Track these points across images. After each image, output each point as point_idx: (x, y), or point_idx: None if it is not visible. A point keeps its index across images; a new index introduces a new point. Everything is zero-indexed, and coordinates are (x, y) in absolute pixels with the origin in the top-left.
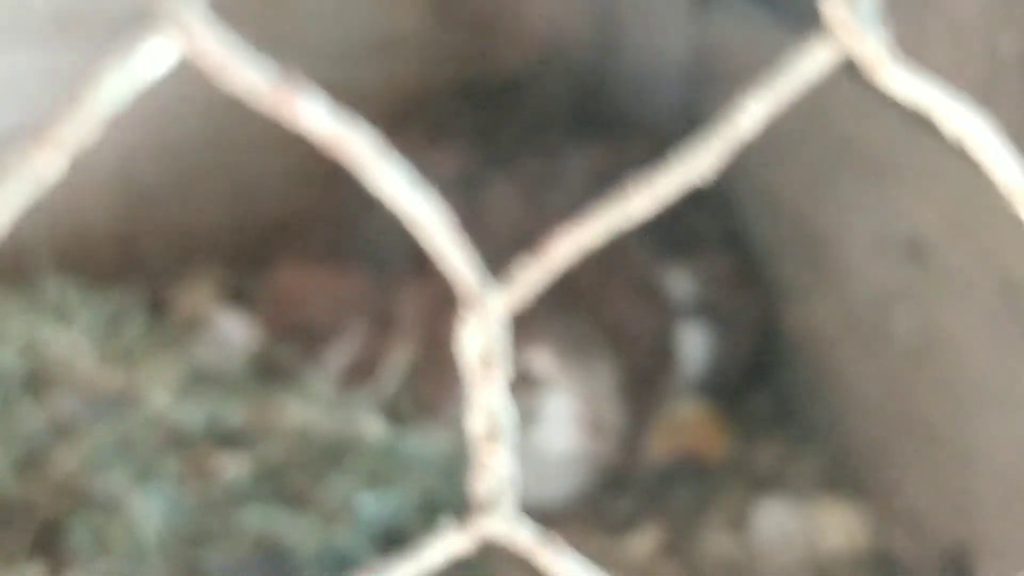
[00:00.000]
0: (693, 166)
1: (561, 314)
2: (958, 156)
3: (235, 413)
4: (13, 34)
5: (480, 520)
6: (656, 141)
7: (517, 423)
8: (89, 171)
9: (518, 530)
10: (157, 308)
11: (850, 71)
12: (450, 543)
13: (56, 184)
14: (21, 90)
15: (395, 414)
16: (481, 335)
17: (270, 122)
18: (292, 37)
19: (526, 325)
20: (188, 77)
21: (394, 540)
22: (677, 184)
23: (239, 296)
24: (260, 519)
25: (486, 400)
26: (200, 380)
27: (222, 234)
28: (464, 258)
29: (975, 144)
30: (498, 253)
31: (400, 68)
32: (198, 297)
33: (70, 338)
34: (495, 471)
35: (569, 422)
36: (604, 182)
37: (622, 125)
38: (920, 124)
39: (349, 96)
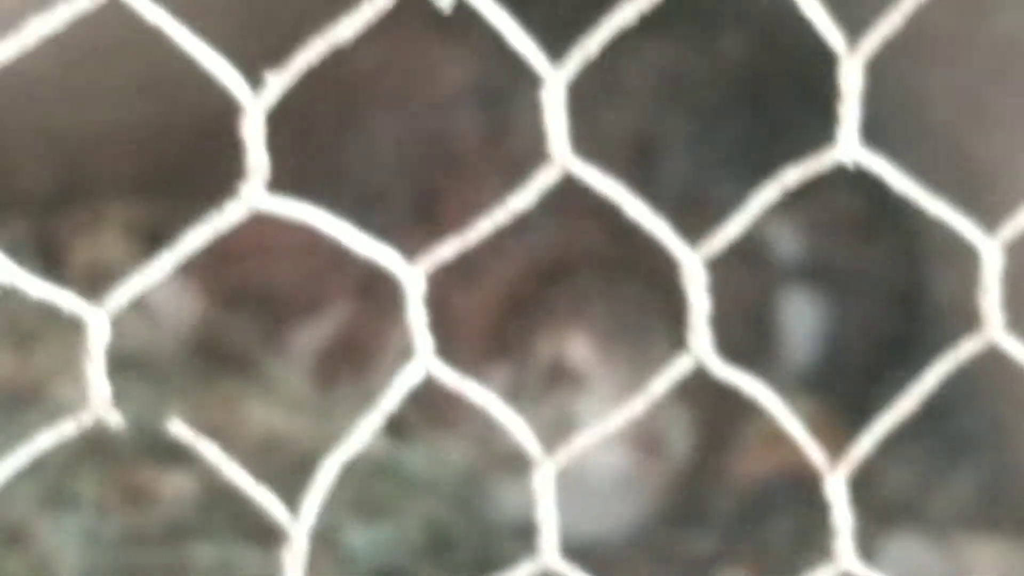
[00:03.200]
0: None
1: (609, 285)
2: None
3: (174, 415)
4: None
5: None
6: (754, 37)
7: (547, 434)
8: None
9: None
10: (47, 258)
11: None
12: None
13: None
14: None
15: (393, 420)
16: None
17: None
18: None
19: (559, 302)
20: None
21: None
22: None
23: (158, 237)
24: (210, 557)
25: None
26: (123, 368)
27: (130, 151)
28: None
29: None
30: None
31: None
32: (103, 245)
33: None
34: None
35: (615, 438)
36: (680, 94)
37: (708, 13)
38: None
39: None
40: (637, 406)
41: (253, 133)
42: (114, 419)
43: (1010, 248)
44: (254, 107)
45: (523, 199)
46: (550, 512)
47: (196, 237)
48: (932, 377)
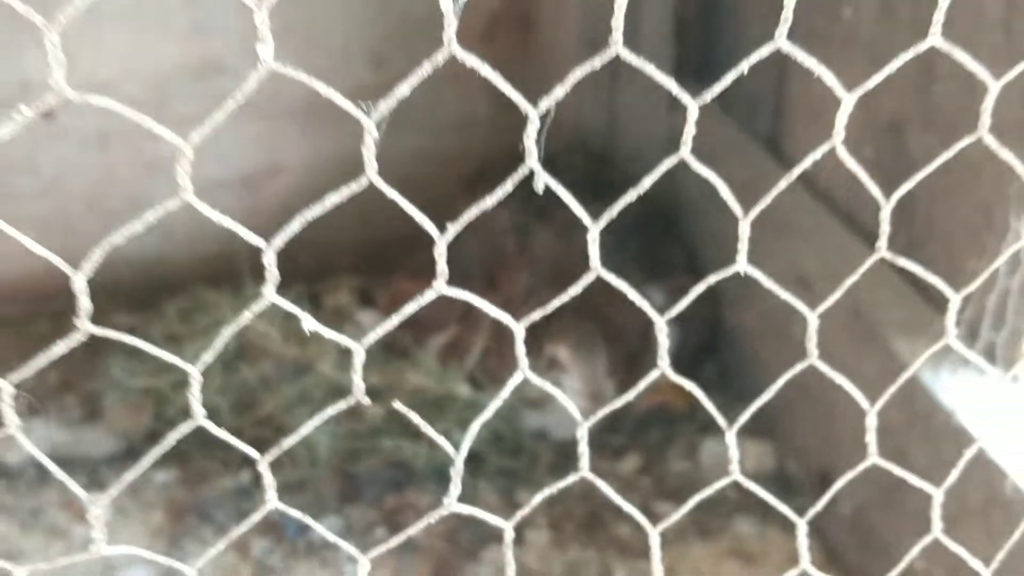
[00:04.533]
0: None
1: (576, 321)
2: (834, 220)
3: (373, 376)
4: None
5: None
6: (642, 200)
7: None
8: (265, 207)
9: None
10: (313, 303)
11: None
12: None
13: (245, 216)
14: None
15: (474, 381)
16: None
17: (386, 174)
18: (399, 115)
19: (552, 329)
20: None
21: (474, 460)
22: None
23: (368, 297)
24: (390, 445)
25: None
26: (348, 354)
27: (354, 250)
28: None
29: None
30: (541, 275)
31: (473, 141)
32: (340, 297)
33: (262, 324)
34: None
35: (579, 394)
36: (609, 227)
37: (620, 189)
38: (810, 198)
39: (438, 159)
40: (630, 395)
41: (441, 255)
42: (365, 400)
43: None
44: (441, 242)
45: (572, 291)
46: (586, 449)
47: (412, 305)
48: (780, 381)
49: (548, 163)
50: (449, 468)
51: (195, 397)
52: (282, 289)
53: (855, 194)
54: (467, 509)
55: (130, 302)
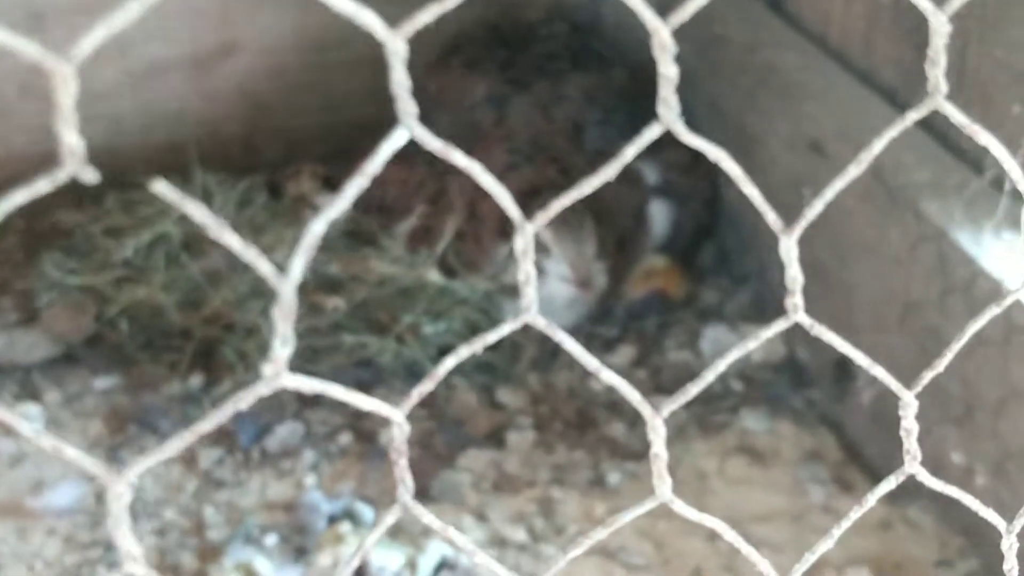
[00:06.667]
0: None
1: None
2: (850, 78)
3: (333, 266)
4: None
5: None
6: (631, 71)
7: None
8: (221, 91)
9: None
10: (273, 192)
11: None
12: None
13: (198, 101)
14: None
15: (446, 267)
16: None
17: (354, 52)
18: None
19: (535, 207)
20: (292, 20)
21: (446, 354)
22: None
23: (332, 183)
24: (352, 341)
25: None
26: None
27: (319, 137)
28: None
29: None
30: (520, 150)
31: (445, 13)
32: (302, 184)
33: (212, 213)
34: None
35: (563, 278)
36: (594, 100)
37: (607, 59)
38: (821, 56)
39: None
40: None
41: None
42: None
43: None
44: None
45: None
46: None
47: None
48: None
49: (527, 32)
50: (419, 364)
51: None
52: (241, 177)
53: (872, 49)
54: None
55: (76, 198)
